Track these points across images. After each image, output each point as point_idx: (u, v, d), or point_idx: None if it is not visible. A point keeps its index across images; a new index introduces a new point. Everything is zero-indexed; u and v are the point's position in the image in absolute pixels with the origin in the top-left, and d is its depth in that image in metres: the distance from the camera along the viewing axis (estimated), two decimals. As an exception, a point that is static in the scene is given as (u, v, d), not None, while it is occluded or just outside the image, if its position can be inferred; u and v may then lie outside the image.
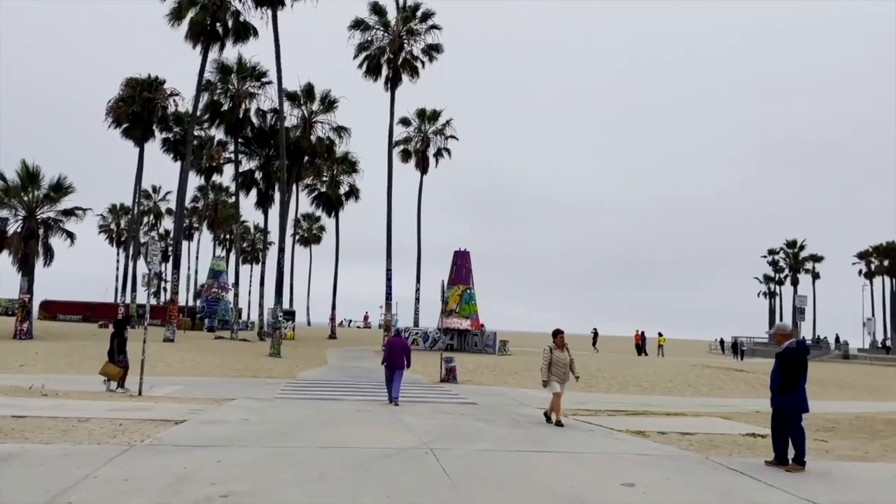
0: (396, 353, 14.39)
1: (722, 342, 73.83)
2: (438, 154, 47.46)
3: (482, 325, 38.61)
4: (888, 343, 70.71)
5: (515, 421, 11.96)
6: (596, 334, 47.80)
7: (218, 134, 47.10)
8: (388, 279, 38.40)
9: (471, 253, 38.43)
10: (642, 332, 44.66)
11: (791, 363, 8.13)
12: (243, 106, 41.80)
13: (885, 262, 77.32)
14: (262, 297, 47.42)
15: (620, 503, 6.09)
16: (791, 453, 7.97)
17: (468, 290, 37.62)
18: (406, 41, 38.38)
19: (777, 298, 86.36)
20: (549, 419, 11.70)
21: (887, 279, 78.35)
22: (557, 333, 11.74)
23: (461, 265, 37.96)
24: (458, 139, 47.62)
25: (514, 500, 6.06)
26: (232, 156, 46.72)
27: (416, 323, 43.83)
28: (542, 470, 7.46)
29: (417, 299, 45.36)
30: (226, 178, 58.96)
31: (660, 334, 45.37)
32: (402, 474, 6.95)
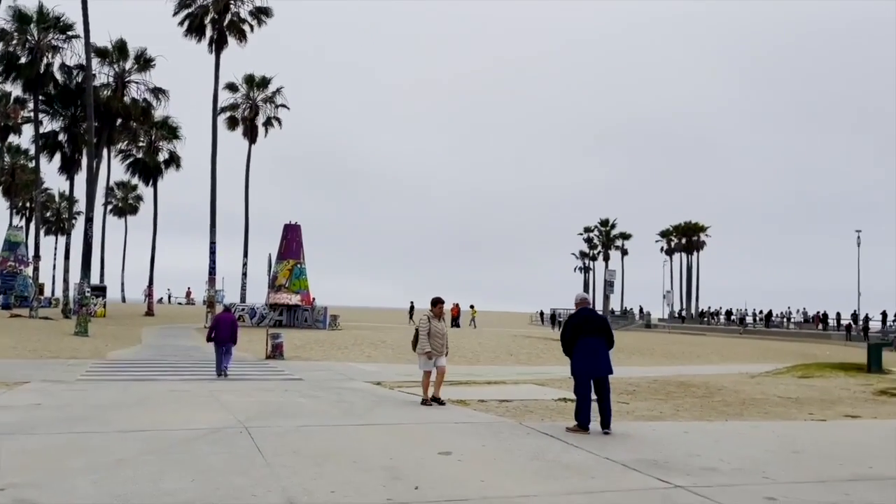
0: (224, 328, 14.38)
1: (542, 314, 78.47)
2: (268, 123, 45.73)
3: (313, 301, 37.96)
4: (683, 313, 78.61)
5: (340, 395, 11.81)
6: (412, 307, 48.78)
7: (15, 90, 42.10)
8: (213, 253, 36.57)
9: (304, 227, 37.54)
10: (458, 305, 45.98)
11: (564, 327, 8.83)
12: (45, 60, 37.48)
13: (683, 240, 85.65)
14: (66, 271, 43.24)
15: (436, 471, 6.16)
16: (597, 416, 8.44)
17: (299, 265, 36.74)
18: (233, 2, 36.34)
19: (591, 273, 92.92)
20: (432, 400, 10.50)
21: (684, 255, 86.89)
22: (437, 302, 10.73)
23: (291, 239, 36.96)
24: (289, 108, 46.19)
25: (330, 474, 5.93)
26: (32, 115, 41.86)
27: (243, 299, 42.21)
28: (362, 443, 7.40)
29: (245, 274, 43.69)
30: (25, 139, 52.81)
31: (472, 307, 46.96)
32: (211, 455, 6.57)
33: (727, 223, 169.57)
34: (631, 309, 78.42)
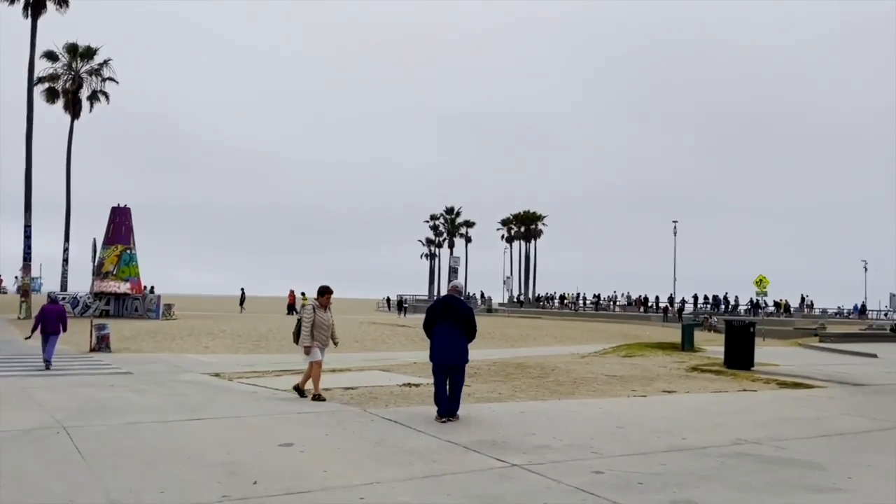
0: (52, 321, 13.63)
1: (388, 300, 78.94)
2: (94, 97, 42.08)
3: (145, 289, 35.61)
4: (522, 298, 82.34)
5: (174, 389, 11.16)
6: (243, 295, 47.37)
7: None
8: (28, 237, 33.32)
9: (134, 210, 35.07)
10: (293, 291, 45.10)
11: (426, 313, 8.93)
12: None
13: (522, 229, 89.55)
14: None
15: (276, 464, 5.98)
16: None
17: (128, 251, 34.30)
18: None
19: (437, 260, 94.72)
20: (302, 394, 9.96)
21: (523, 243, 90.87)
22: (325, 291, 10.06)
23: (120, 223, 34.42)
24: (118, 82, 42.75)
25: (161, 473, 5.57)
26: None
27: (63, 287, 38.75)
28: (197, 438, 7.03)
29: (66, 261, 40.09)
30: None
31: (303, 294, 46.31)
32: (23, 459, 5.96)
33: (562, 212, 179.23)
34: (473, 294, 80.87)
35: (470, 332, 8.61)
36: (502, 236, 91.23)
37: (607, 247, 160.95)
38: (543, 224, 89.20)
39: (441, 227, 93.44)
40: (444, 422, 8.12)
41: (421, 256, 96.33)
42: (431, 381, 11.82)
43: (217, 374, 13.36)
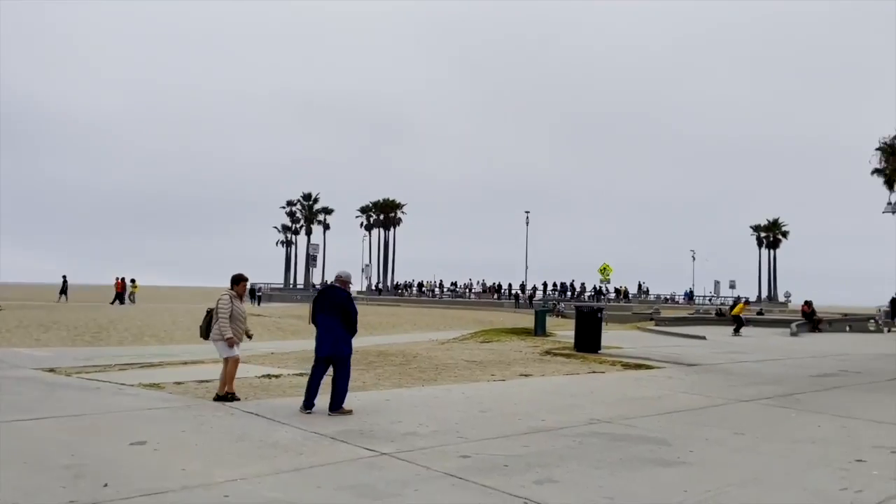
0: None
1: (241, 289, 76.10)
2: None
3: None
4: (381, 286, 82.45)
5: (0, 387, 10.10)
6: (65, 283, 44.14)
7: None
8: None
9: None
10: (123, 279, 42.49)
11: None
12: None
13: (381, 216, 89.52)
14: None
15: (128, 464, 5.57)
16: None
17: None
18: None
19: (294, 247, 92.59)
20: (232, 397, 8.85)
21: (382, 231, 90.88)
22: (240, 279, 9.20)
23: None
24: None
25: (-7, 482, 5.01)
26: None
27: None
28: (35, 440, 6.40)
29: None
30: None
31: (133, 281, 43.89)
32: None
33: (421, 201, 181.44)
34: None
35: (347, 323, 8.33)
36: (361, 224, 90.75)
37: (464, 235, 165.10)
38: (402, 212, 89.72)
39: (298, 214, 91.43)
40: (307, 413, 7.94)
41: (277, 244, 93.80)
42: (292, 371, 11.56)
43: (52, 370, 12.25)
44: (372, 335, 25.21)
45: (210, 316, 9.07)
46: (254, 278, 76.77)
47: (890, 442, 7.17)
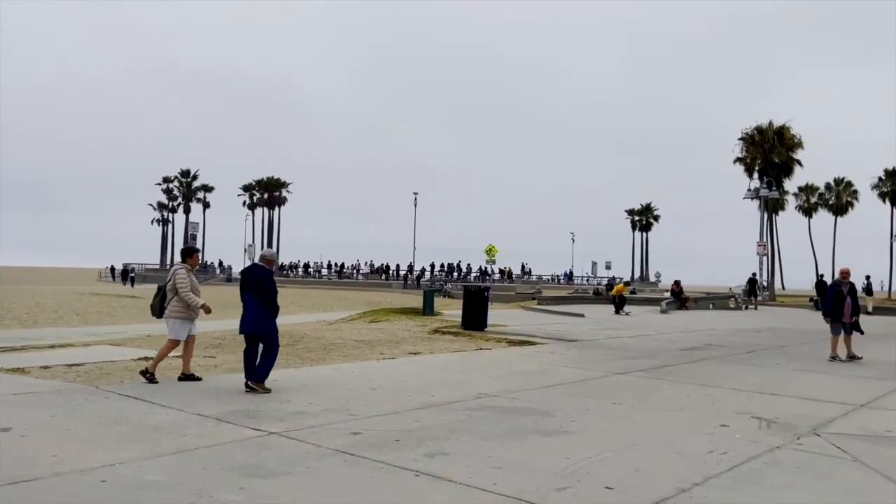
0: None
1: (113, 269, 72.10)
2: None
3: None
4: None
5: None
6: None
7: None
8: None
9: None
10: None
11: None
12: None
13: (266, 195, 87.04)
14: None
15: (-9, 454, 5.16)
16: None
17: None
18: None
19: (171, 226, 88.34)
20: (191, 378, 8.74)
21: (267, 210, 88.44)
22: (193, 251, 9.11)
23: None
24: None
25: None
26: None
27: None
28: None
29: None
30: None
31: None
32: None
33: (308, 180, 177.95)
34: (212, 263, 77.01)
35: (268, 302, 8.27)
36: (244, 203, 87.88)
37: (352, 216, 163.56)
38: (288, 191, 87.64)
39: (176, 192, 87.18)
40: (247, 391, 7.93)
41: (152, 222, 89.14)
42: (173, 354, 11.13)
43: None
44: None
45: (162, 293, 8.68)
46: (127, 258, 72.63)
47: (750, 408, 7.80)
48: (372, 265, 72.00)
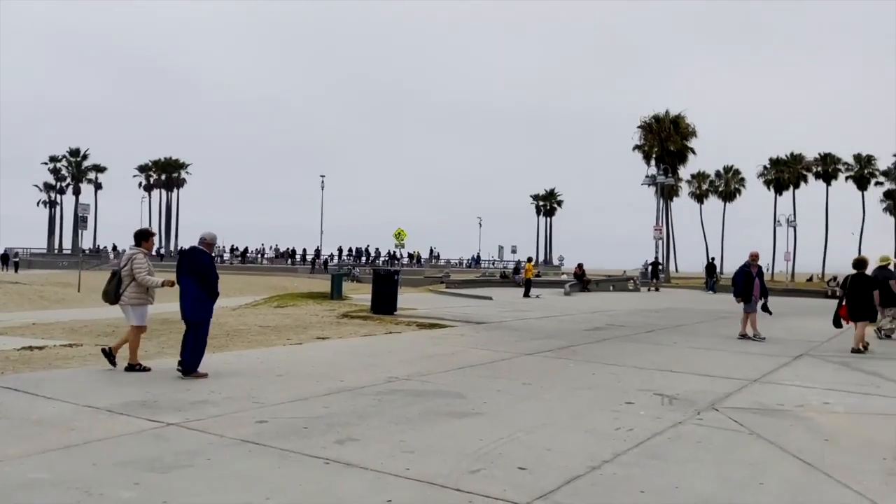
0: None
1: (-6, 254, 67.24)
2: None
3: None
4: (163, 251, 76.93)
5: None
6: None
7: None
8: None
9: None
10: None
11: None
12: None
13: (163, 177, 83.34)
14: None
15: None
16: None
17: None
18: None
19: (59, 208, 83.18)
20: (135, 368, 8.15)
21: (165, 192, 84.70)
22: (150, 235, 8.65)
23: None
24: None
25: None
26: None
27: None
28: None
29: None
30: None
31: None
32: None
33: (210, 162, 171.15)
34: (105, 247, 73.04)
35: (206, 286, 8.04)
36: (140, 184, 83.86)
37: (257, 200, 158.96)
38: (187, 172, 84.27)
39: (64, 172, 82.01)
40: (183, 378, 7.75)
41: (38, 204, 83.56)
42: (59, 342, 10.44)
43: None
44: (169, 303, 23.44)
45: (117, 278, 8.28)
46: (10, 242, 67.93)
47: (652, 385, 8.04)
48: (277, 249, 70.33)
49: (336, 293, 22.47)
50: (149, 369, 8.17)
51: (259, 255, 69.96)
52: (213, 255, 8.77)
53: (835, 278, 47.16)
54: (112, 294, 8.33)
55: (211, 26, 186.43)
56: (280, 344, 11.36)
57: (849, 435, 5.92)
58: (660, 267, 42.62)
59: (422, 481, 4.35)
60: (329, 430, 5.60)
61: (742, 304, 13.37)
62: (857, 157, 77.02)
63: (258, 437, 5.29)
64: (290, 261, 66.28)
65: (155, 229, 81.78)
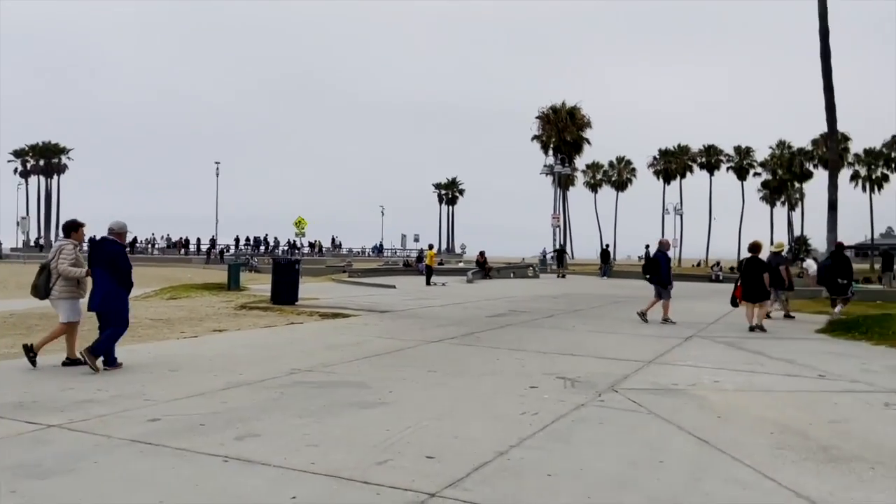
0: None
1: None
2: None
3: None
4: (42, 241, 72.02)
5: None
6: None
7: None
8: None
9: None
10: None
11: None
12: None
13: (41, 162, 77.93)
14: None
15: None
16: None
17: None
18: None
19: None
20: (79, 362, 7.78)
21: (43, 179, 79.27)
22: (79, 225, 8.21)
23: None
24: None
25: None
26: None
27: None
28: None
29: None
30: None
31: None
32: None
33: (95, 146, 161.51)
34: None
35: (119, 278, 7.83)
36: (16, 170, 78.03)
37: (148, 187, 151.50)
38: (69, 158, 79.13)
39: (-74, 155, 75.17)
40: (105, 369, 7.65)
41: None
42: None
43: None
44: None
45: (46, 272, 7.92)
46: None
47: (555, 369, 8.19)
48: (169, 239, 67.27)
49: (233, 284, 21.71)
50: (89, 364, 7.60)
51: (150, 245, 66.67)
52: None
53: (718, 263, 50.17)
54: (42, 289, 7.94)
55: (108, 15, 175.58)
56: (173, 338, 10.82)
57: (739, 412, 6.22)
58: (565, 254, 43.77)
59: (328, 475, 4.21)
60: (228, 426, 5.34)
61: (657, 288, 13.88)
62: (738, 149, 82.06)
63: (150, 437, 4.97)
64: (183, 251, 63.57)
65: (33, 218, 76.53)
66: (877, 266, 34.20)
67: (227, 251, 60.96)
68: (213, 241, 63.62)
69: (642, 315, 13.80)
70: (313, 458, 4.55)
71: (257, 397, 6.41)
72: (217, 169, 66.83)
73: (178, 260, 57.25)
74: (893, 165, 74.07)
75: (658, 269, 14.00)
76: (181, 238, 66.42)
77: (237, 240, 66.29)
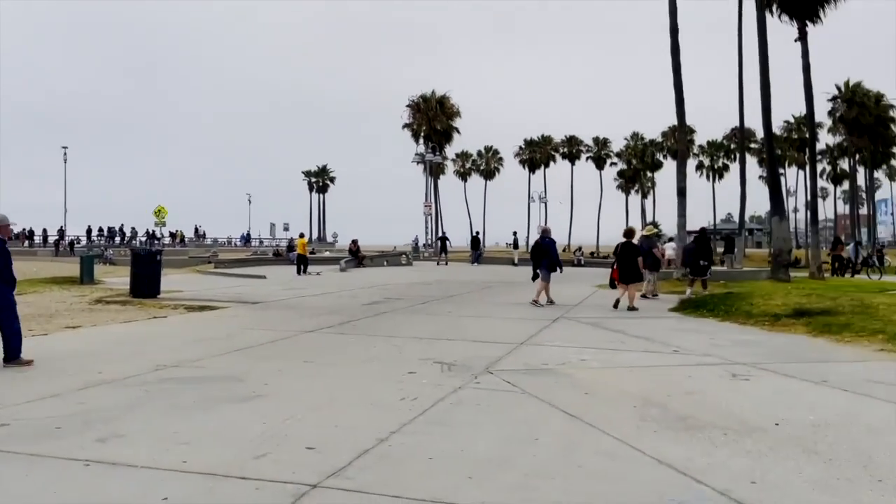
0: None
1: None
2: None
3: None
4: None
5: None
6: None
7: None
8: None
9: None
10: None
11: None
12: None
13: None
14: None
15: None
16: None
17: None
18: None
19: None
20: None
21: None
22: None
23: None
24: None
25: None
26: None
27: None
28: None
29: None
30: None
31: None
32: None
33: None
34: None
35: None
36: None
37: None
38: None
39: None
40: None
41: None
42: None
43: None
44: None
45: None
46: None
47: (431, 354, 8.28)
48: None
49: (87, 277, 20.22)
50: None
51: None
52: None
53: (580, 248, 52.69)
54: None
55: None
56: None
57: (604, 387, 6.57)
58: (448, 241, 44.13)
59: (202, 473, 4.03)
60: (87, 427, 4.98)
61: (544, 272, 14.26)
62: (596, 140, 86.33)
63: (0, 443, 4.55)
64: (27, 243, 58.44)
65: None
66: (720, 249, 37.14)
67: (78, 242, 56.71)
68: (61, 232, 58.95)
69: (536, 303, 14.19)
70: (185, 456, 4.34)
71: (119, 396, 6.02)
72: (65, 155, 61.89)
73: (23, 253, 52.49)
74: (733, 156, 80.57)
75: (550, 254, 14.50)
76: (24, 229, 60.95)
77: (89, 230, 61.82)
